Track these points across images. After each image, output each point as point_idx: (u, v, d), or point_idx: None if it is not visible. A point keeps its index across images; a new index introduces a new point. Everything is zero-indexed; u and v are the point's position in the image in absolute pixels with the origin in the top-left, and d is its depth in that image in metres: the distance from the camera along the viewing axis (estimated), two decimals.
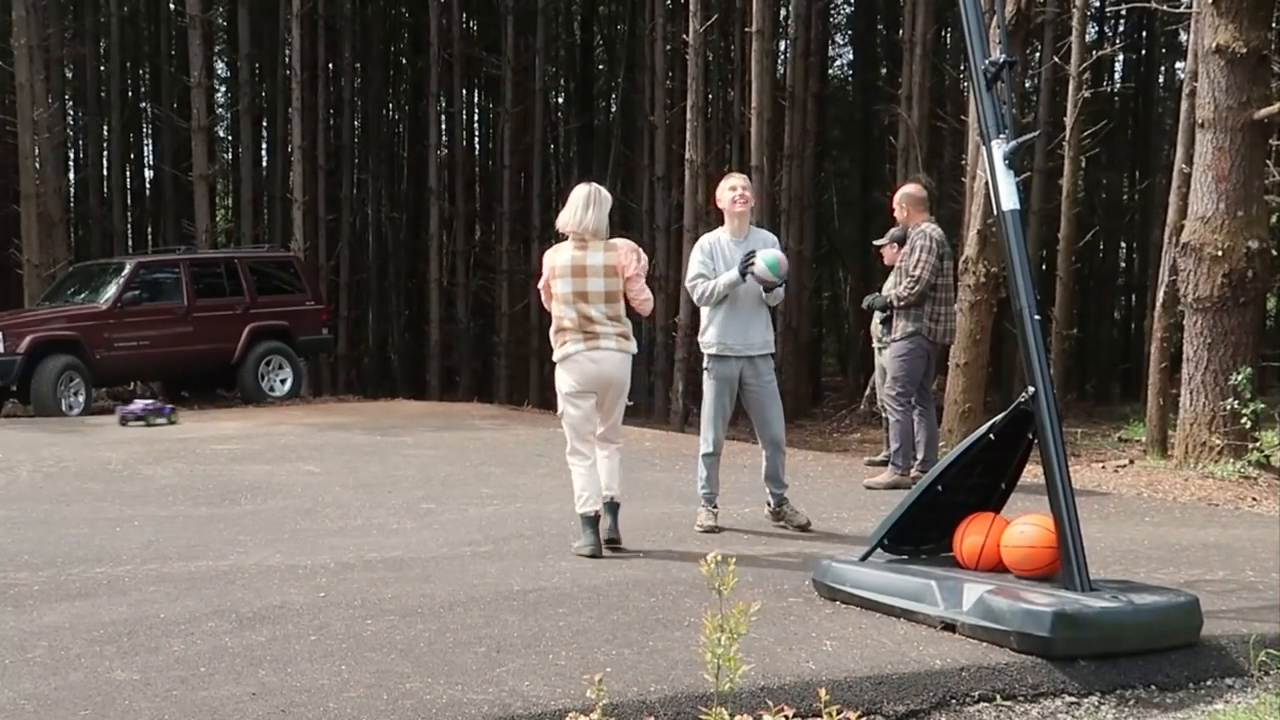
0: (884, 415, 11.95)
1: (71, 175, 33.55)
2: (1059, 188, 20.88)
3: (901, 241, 11.19)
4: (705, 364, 8.22)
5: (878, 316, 11.76)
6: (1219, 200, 11.30)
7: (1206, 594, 5.99)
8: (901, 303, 10.13)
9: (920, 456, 10.15)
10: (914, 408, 10.16)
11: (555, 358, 7.46)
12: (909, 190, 10.71)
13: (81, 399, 16.81)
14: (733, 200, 8.11)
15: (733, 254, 8.01)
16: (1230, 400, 11.20)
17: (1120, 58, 34.21)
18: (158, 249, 27.79)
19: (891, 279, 11.13)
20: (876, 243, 12.15)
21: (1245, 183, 11.29)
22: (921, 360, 10.16)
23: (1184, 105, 14.29)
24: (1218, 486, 10.62)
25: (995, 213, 6.10)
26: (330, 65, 32.24)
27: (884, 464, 11.20)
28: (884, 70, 35.16)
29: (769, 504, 8.32)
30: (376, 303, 33.91)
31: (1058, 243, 20.70)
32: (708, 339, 8.14)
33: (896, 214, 10.68)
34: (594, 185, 7.80)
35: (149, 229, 35.85)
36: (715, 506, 8.14)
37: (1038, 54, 25.47)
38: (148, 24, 35.25)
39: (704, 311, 8.19)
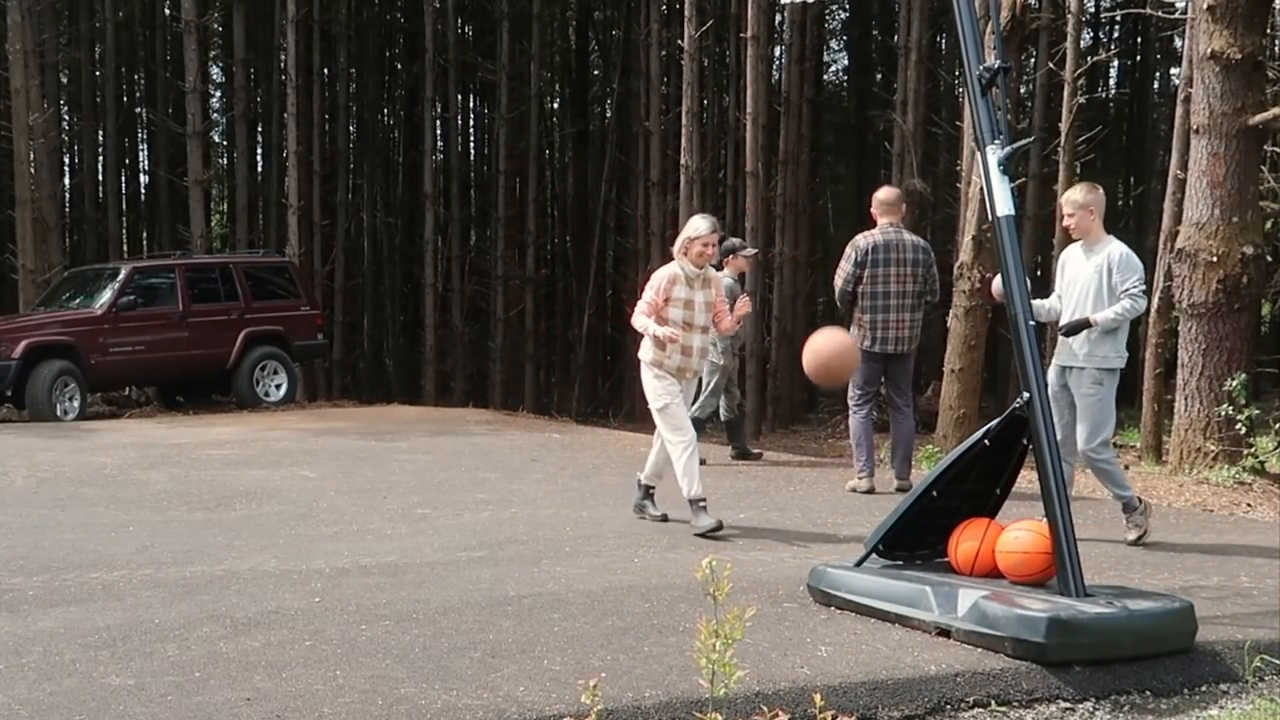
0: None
1: (67, 180, 33.51)
2: (1054, 193, 20.88)
3: (729, 251, 11.57)
4: (1111, 378, 8.02)
5: None
6: (1214, 206, 11.32)
7: (1201, 600, 6.00)
8: (840, 310, 10.40)
9: (898, 457, 10.27)
10: (865, 406, 10.19)
11: None
12: (876, 194, 10.52)
13: (76, 404, 16.78)
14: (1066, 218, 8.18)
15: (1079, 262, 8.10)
16: (1225, 406, 11.21)
17: (1115, 63, 34.28)
18: (153, 254, 27.76)
19: None
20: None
21: (1240, 188, 11.32)
22: (864, 366, 9.93)
23: (1179, 111, 14.32)
24: (1212, 492, 10.63)
25: (990, 218, 6.11)
26: (325, 70, 32.21)
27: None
28: (879, 76, 35.22)
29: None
30: (371, 308, 33.89)
31: (1053, 248, 20.69)
32: (1119, 350, 7.99)
33: None
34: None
35: (144, 234, 35.82)
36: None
37: (1033, 60, 25.50)
38: (143, 29, 35.21)
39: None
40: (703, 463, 11.80)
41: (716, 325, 8.50)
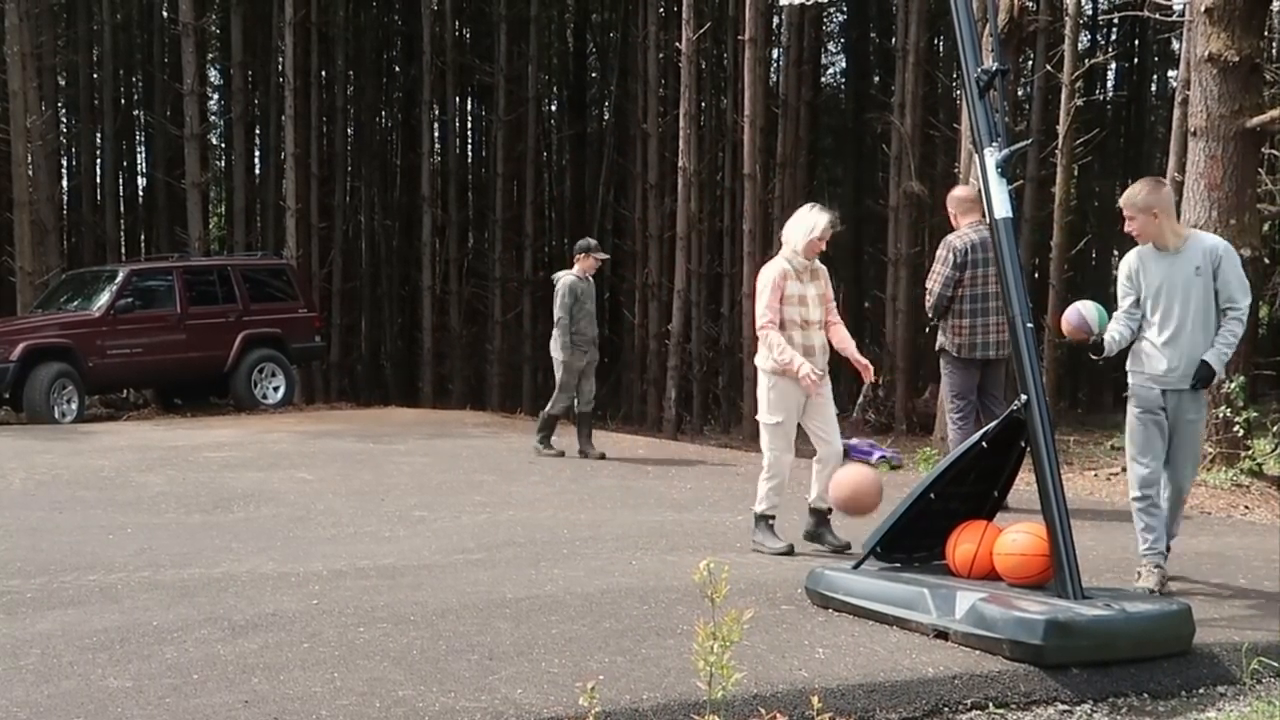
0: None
1: (64, 183, 33.46)
2: (1051, 196, 20.90)
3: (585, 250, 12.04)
4: None
5: None
6: (1211, 209, 11.32)
7: (1199, 602, 6.01)
8: (932, 319, 9.69)
9: None
10: (967, 421, 9.45)
11: None
12: (954, 193, 9.99)
13: (74, 406, 16.78)
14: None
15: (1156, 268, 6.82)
16: (1223, 408, 11.21)
17: (1113, 66, 34.31)
18: (151, 256, 27.74)
19: None
20: None
21: (1237, 191, 11.31)
22: (958, 375, 9.50)
23: (1176, 113, 14.32)
24: (1210, 495, 10.63)
25: (988, 221, 6.11)
26: (323, 73, 32.18)
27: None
28: (877, 78, 35.20)
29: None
30: (369, 310, 33.87)
31: (1050, 251, 20.72)
32: None
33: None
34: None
35: (142, 236, 35.79)
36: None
37: (1030, 62, 25.51)
38: (140, 31, 35.20)
39: None
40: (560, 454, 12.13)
41: (828, 323, 7.82)
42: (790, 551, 7.55)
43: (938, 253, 9.64)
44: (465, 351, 31.29)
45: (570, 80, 36.96)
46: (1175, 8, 16.66)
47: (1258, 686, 5.27)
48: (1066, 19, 19.44)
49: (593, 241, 12.41)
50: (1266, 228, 13.42)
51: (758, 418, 7.86)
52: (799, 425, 7.75)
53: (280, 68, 28.38)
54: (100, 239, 32.16)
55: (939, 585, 5.73)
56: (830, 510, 7.69)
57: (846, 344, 7.90)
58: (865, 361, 7.96)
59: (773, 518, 7.76)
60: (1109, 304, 7.22)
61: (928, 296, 9.63)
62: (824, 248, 7.77)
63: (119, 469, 11.41)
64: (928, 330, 10.04)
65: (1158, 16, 16.29)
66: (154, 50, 34.00)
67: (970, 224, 9.58)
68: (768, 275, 7.69)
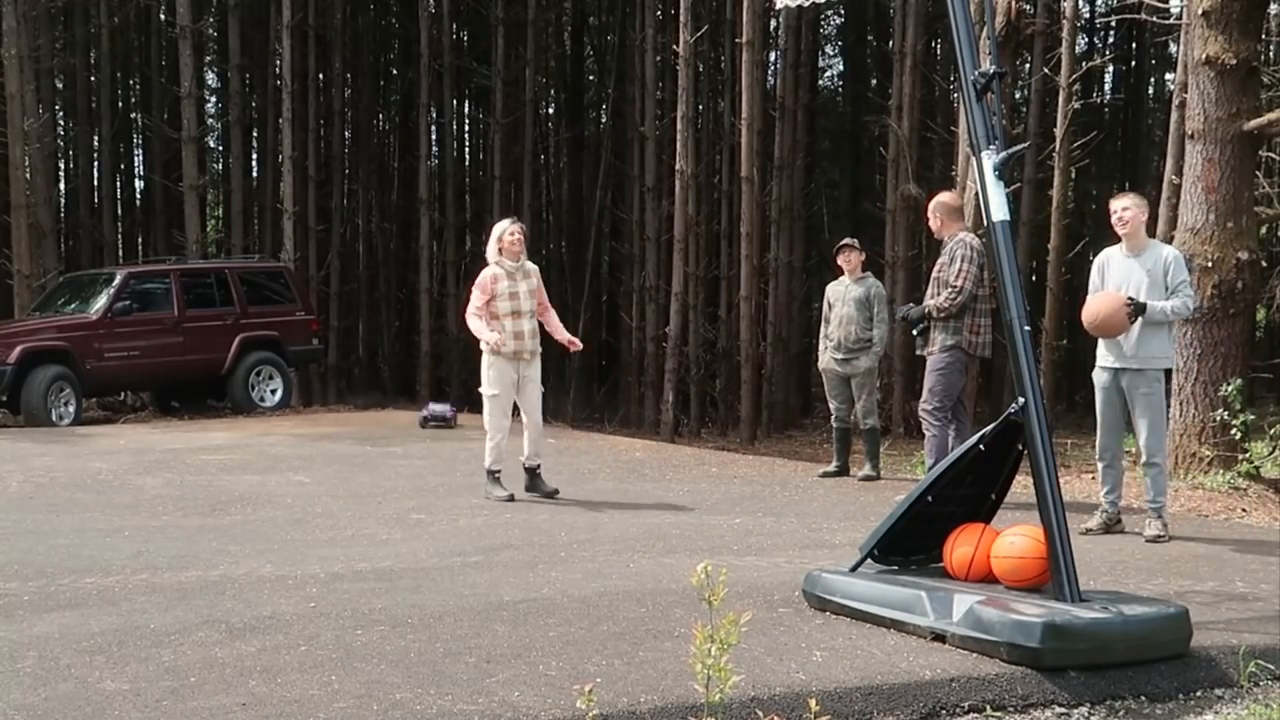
0: (834, 428, 11.90)
1: (62, 185, 33.42)
2: (1049, 199, 20.91)
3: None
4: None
5: (842, 327, 11.62)
6: (1209, 211, 11.32)
7: (1196, 605, 6.01)
8: (941, 314, 9.67)
9: None
10: (951, 422, 9.68)
11: None
12: (944, 199, 10.10)
13: (72, 409, 16.78)
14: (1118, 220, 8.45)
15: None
16: (1220, 411, 11.20)
17: (1110, 69, 34.31)
18: (148, 259, 27.72)
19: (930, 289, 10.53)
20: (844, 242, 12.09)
21: (1235, 194, 11.31)
22: (959, 374, 9.71)
23: (1174, 116, 14.32)
24: (1207, 498, 10.63)
25: (985, 224, 6.11)
26: (321, 76, 32.18)
27: (836, 474, 11.56)
28: (874, 81, 35.19)
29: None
30: (367, 313, 33.84)
31: (1048, 254, 20.72)
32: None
33: (931, 223, 10.07)
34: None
35: (139, 239, 35.75)
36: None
37: (1027, 65, 25.52)
38: (138, 34, 35.18)
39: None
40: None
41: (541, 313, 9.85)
42: (511, 499, 9.67)
43: (957, 251, 9.70)
44: (463, 354, 31.26)
45: (568, 83, 36.95)
46: (1172, 11, 16.68)
47: (1255, 689, 5.27)
48: (1064, 22, 19.45)
49: None
50: (1264, 230, 13.43)
51: (480, 390, 9.95)
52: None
53: (278, 71, 28.38)
54: (98, 242, 32.15)
55: (936, 588, 5.73)
56: (539, 467, 9.96)
57: (556, 327, 10.00)
58: (571, 338, 10.10)
59: (498, 471, 9.86)
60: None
61: (952, 294, 9.61)
62: (519, 246, 9.72)
63: (116, 472, 11.40)
64: (916, 333, 10.06)
65: (1155, 20, 16.30)
66: (151, 53, 33.98)
67: (963, 229, 9.83)
68: (481, 278, 9.79)
